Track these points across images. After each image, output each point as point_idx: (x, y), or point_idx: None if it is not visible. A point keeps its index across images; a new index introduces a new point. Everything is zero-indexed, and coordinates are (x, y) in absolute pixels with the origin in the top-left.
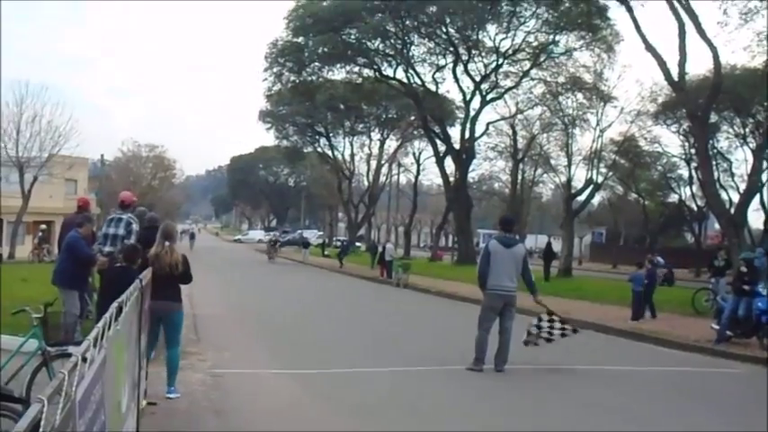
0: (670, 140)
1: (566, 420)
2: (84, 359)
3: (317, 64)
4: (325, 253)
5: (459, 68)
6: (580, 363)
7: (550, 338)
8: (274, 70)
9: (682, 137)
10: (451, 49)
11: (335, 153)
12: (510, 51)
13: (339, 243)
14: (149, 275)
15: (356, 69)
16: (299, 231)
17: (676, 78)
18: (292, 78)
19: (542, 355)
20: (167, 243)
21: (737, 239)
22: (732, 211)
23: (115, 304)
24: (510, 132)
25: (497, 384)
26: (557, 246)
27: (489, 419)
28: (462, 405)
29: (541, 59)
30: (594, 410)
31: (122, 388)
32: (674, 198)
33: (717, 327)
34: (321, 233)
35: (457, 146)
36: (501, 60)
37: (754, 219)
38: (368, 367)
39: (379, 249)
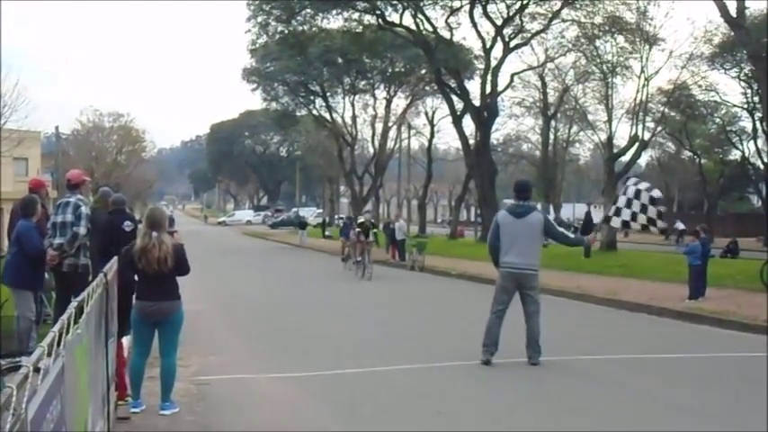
0: (729, 88)
1: (617, 420)
2: (37, 369)
3: (309, 10)
4: (327, 234)
5: (477, 11)
6: (631, 351)
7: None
8: (259, 19)
9: (743, 83)
10: None
11: (334, 116)
12: None
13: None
14: (114, 268)
15: (355, 16)
16: (295, 209)
17: (734, 14)
18: (280, 28)
19: (586, 344)
20: (155, 234)
21: None
22: None
23: (74, 303)
24: (539, 84)
25: (529, 380)
26: (598, 215)
27: (521, 422)
28: (491, 405)
29: None
30: (651, 407)
31: (88, 403)
32: (735, 155)
33: None
34: (320, 211)
35: (477, 102)
36: None
37: None
38: (380, 366)
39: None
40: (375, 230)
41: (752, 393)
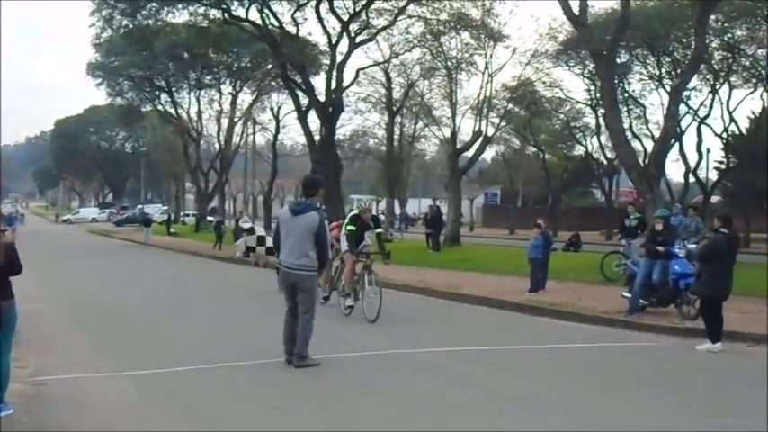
0: (573, 84)
1: (456, 411)
2: None
3: (154, 4)
4: (171, 230)
5: (324, 6)
6: (471, 343)
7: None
8: (103, 13)
9: (587, 80)
10: None
11: (179, 111)
12: None
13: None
14: None
15: (201, 10)
16: (140, 206)
17: (577, 12)
18: (125, 22)
19: (427, 337)
20: None
21: (652, 195)
22: (645, 162)
23: None
24: (384, 80)
25: (369, 373)
26: (443, 209)
27: (358, 415)
28: (327, 400)
29: None
30: (490, 397)
31: None
32: (579, 151)
33: (628, 295)
34: (166, 207)
35: (322, 98)
36: None
37: (674, 170)
38: (219, 363)
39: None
40: (379, 230)
41: (588, 382)
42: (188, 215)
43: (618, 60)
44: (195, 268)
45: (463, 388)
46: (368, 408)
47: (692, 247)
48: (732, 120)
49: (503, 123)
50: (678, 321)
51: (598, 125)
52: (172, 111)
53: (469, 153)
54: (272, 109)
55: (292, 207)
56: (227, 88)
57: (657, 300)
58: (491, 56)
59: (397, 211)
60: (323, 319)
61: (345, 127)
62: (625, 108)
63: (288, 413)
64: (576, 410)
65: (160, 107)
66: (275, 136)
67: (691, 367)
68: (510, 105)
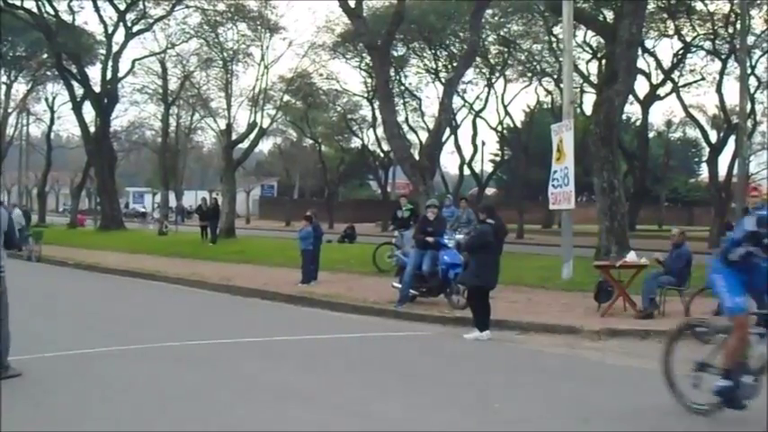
0: (350, 77)
1: (228, 404)
2: None
3: None
4: None
5: None
6: (242, 335)
7: None
8: None
9: (364, 72)
10: None
11: None
12: None
13: None
14: None
15: None
16: None
17: (353, 4)
18: None
19: (200, 329)
20: None
21: (425, 186)
22: (418, 154)
23: None
24: (160, 71)
25: (139, 366)
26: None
27: (123, 411)
28: (91, 395)
29: None
30: (260, 389)
31: None
32: (356, 143)
33: (399, 285)
34: None
35: (97, 88)
36: None
37: (450, 162)
38: None
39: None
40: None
41: (353, 372)
42: None
43: (395, 53)
44: None
45: (228, 380)
46: (122, 402)
47: (459, 237)
48: (507, 113)
49: (279, 115)
50: (447, 311)
51: (374, 117)
52: None
53: (245, 145)
54: (46, 99)
55: None
56: (1, 78)
57: (427, 290)
58: (267, 47)
59: (173, 203)
60: (87, 316)
61: (122, 118)
62: (401, 101)
63: (63, 410)
64: (337, 401)
65: None
66: (50, 127)
67: (458, 355)
68: (287, 97)
